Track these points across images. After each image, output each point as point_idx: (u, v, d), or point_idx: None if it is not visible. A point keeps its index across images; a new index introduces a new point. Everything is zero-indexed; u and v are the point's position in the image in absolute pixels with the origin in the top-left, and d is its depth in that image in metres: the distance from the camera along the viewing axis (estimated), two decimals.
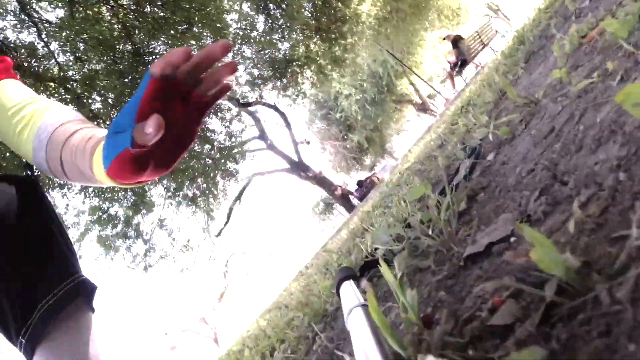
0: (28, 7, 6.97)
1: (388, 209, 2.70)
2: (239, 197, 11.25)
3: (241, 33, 9.07)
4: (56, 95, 7.16)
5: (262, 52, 10.08)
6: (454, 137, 2.72)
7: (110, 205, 8.33)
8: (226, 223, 11.78)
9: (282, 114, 11.55)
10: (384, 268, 0.70)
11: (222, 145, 9.20)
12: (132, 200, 8.52)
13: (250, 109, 10.61)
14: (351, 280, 1.18)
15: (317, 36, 10.67)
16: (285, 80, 10.82)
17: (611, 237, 0.42)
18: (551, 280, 0.39)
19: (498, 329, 0.43)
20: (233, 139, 9.28)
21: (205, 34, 8.04)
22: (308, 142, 13.64)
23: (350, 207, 11.90)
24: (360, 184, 11.02)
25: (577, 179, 0.65)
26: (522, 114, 1.53)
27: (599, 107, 0.90)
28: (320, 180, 12.41)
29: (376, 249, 1.39)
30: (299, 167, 12.08)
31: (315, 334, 1.52)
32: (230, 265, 16.21)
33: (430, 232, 1.02)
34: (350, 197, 11.97)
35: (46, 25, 7.22)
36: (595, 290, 0.34)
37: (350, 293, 1.02)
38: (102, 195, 7.86)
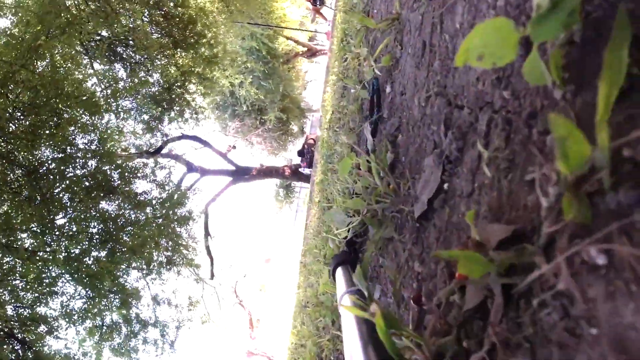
0: None
1: (335, 174, 2.71)
2: (207, 234, 11.03)
3: (109, 91, 8.63)
4: None
5: (139, 97, 9.67)
6: (351, 77, 2.71)
7: (103, 317, 8.03)
8: (212, 262, 11.59)
9: (194, 138, 11.26)
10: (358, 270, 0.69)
11: (160, 200, 8.92)
12: (117, 301, 8.24)
13: (163, 152, 10.27)
14: (346, 265, 1.18)
15: (179, 49, 10.31)
16: (176, 107, 10.49)
17: (525, 181, 0.42)
18: (491, 275, 0.39)
19: (474, 311, 0.42)
20: (167, 188, 8.99)
21: (79, 111, 7.63)
22: (234, 147, 13.42)
23: (305, 178, 11.92)
24: (300, 153, 11.01)
25: (469, 101, 0.65)
26: (392, 34, 1.53)
27: (452, 9, 0.90)
28: (266, 172, 12.31)
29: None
30: (240, 173, 11.91)
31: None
32: (240, 293, 16.09)
33: (377, 198, 1.02)
34: (300, 169, 11.96)
35: None
36: (538, 267, 0.34)
37: (341, 279, 1.02)
38: (90, 314, 7.57)
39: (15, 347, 6.95)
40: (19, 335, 7.07)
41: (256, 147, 18.50)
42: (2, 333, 6.65)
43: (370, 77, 1.81)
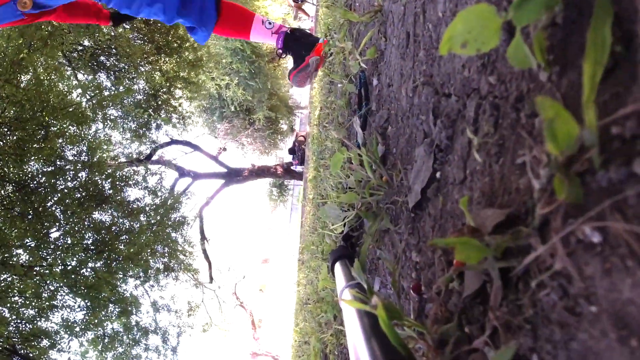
0: None
1: (327, 169, 2.71)
2: (203, 237, 11.00)
3: (94, 101, 8.58)
4: None
5: (125, 105, 9.61)
6: (337, 72, 2.71)
7: (104, 327, 8.00)
8: (210, 266, 11.56)
9: (184, 142, 11.20)
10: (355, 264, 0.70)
11: (154, 207, 8.88)
12: (117, 310, 8.21)
13: (154, 158, 10.21)
14: (344, 260, 1.18)
15: (162, 55, 10.25)
16: (163, 113, 10.44)
17: (516, 164, 0.42)
18: (488, 259, 0.39)
19: (474, 296, 0.43)
20: (159, 194, 8.96)
21: (66, 123, 7.57)
22: (225, 149, 13.36)
23: (298, 175, 11.91)
24: (292, 150, 10.99)
25: (456, 88, 0.65)
26: (375, 26, 1.53)
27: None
28: (258, 172, 12.28)
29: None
30: (232, 175, 11.87)
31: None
32: (240, 295, 16.07)
33: (371, 191, 1.02)
34: (292, 167, 11.95)
35: None
36: (534, 249, 0.35)
37: (340, 274, 1.02)
38: (91, 325, 7.54)
39: None
40: (22, 351, 7.04)
41: (247, 148, 18.45)
42: (5, 350, 6.61)
43: (357, 71, 1.81)
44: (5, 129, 6.95)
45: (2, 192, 7.19)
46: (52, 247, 7.47)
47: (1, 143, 7.04)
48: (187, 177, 11.02)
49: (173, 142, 10.65)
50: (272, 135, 17.78)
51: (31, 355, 6.93)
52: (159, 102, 10.12)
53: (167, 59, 10.30)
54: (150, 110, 9.82)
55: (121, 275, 8.29)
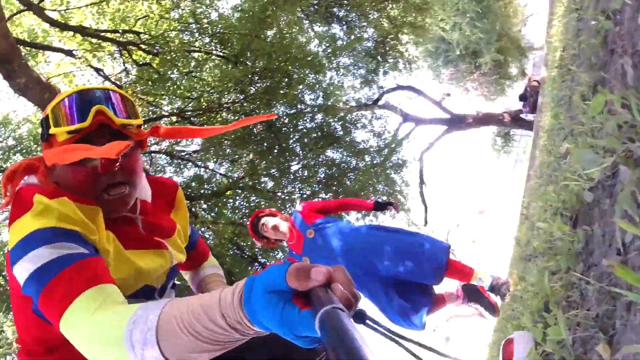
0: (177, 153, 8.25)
1: (569, 115, 2.47)
2: (421, 181, 11.27)
3: (329, 50, 9.34)
4: (237, 197, 8.23)
5: (355, 54, 10.18)
6: (587, 8, 2.39)
7: None
8: (426, 209, 11.84)
9: (408, 88, 11.38)
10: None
11: (377, 148, 9.41)
12: None
13: (380, 103, 10.70)
14: None
15: (389, 1, 10.37)
16: (390, 59, 10.72)
17: None
18: None
19: None
20: (383, 137, 9.45)
21: (305, 74, 8.45)
22: (448, 94, 13.08)
23: (527, 125, 10.96)
24: (522, 97, 10.09)
25: None
26: None
27: None
28: (483, 119, 11.74)
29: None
30: (455, 122, 11.64)
31: (580, 279, 1.48)
32: (452, 242, 16.08)
33: (636, 137, 0.96)
34: (522, 115, 11.03)
35: (195, 156, 8.43)
36: None
37: None
38: None
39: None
40: (262, 259, 8.41)
41: (472, 94, 17.67)
42: (249, 258, 8.07)
43: (620, 5, 1.60)
44: (257, 78, 8.12)
45: (255, 130, 8.49)
46: (291, 177, 8.68)
47: (253, 89, 8.27)
48: (410, 122, 11.28)
49: (398, 87, 10.94)
50: (500, 80, 16.55)
51: (267, 263, 8.26)
52: (387, 49, 10.43)
53: (394, 5, 10.42)
54: (378, 57, 10.22)
55: None
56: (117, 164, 0.94)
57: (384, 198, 9.87)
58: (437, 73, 17.36)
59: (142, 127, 1.07)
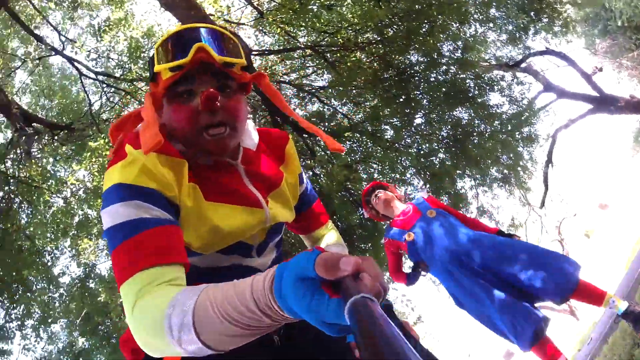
0: (305, 86, 8.28)
1: None
2: (549, 161, 10.30)
3: (479, 0, 8.57)
4: (354, 140, 8.18)
5: (507, 6, 9.23)
6: None
7: None
8: (546, 191, 10.91)
9: (558, 54, 10.18)
10: None
11: (509, 115, 8.69)
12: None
13: (523, 65, 9.74)
14: None
15: None
16: (545, 18, 9.58)
17: None
18: None
19: None
20: (518, 104, 8.66)
21: (448, 22, 7.92)
22: (600, 69, 11.51)
23: None
24: None
25: None
26: None
27: None
28: (637, 106, 10.23)
29: None
30: (604, 102, 10.28)
31: None
32: (564, 231, 14.82)
33: None
34: None
35: (321, 92, 8.42)
36: None
37: None
38: None
39: None
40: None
41: (625, 73, 15.48)
42: (355, 203, 8.08)
43: None
44: (397, 19, 7.74)
45: (385, 74, 8.21)
46: (412, 130, 8.38)
47: (391, 32, 7.92)
48: (551, 93, 10.18)
49: (547, 51, 9.84)
50: None
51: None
52: (543, 5, 9.30)
53: None
54: (531, 13, 9.18)
55: (460, 172, 8.70)
56: (217, 102, 0.92)
57: (505, 171, 9.20)
58: (590, 42, 15.34)
59: (262, 64, 1.01)
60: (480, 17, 8.76)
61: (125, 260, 0.81)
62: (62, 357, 7.18)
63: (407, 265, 5.33)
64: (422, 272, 3.01)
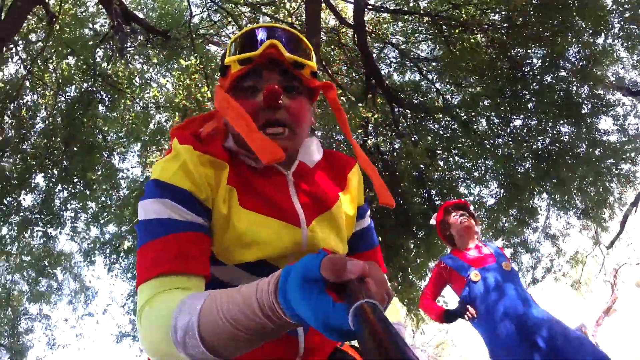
0: (411, 53, 7.76)
1: None
2: (635, 204, 9.43)
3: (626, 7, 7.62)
4: (442, 123, 7.69)
5: None
6: None
7: None
8: (619, 233, 10.12)
9: None
10: None
11: (613, 146, 7.87)
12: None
13: None
14: None
15: None
16: None
17: None
18: None
19: None
20: (629, 137, 7.82)
21: (584, 26, 7.13)
22: None
23: None
24: None
25: None
26: None
27: None
28: None
29: None
30: None
31: None
32: (621, 277, 13.92)
33: None
34: None
35: (425, 63, 7.87)
36: None
37: None
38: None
39: None
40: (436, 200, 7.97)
41: None
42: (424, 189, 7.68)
43: None
44: (530, 9, 6.96)
45: (499, 63, 7.45)
46: (508, 130, 7.73)
47: (521, 21, 7.13)
48: None
49: None
50: None
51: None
52: None
53: None
54: None
55: (541, 189, 8.12)
56: (280, 100, 0.89)
57: (588, 203, 8.45)
58: None
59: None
60: (618, 32, 7.84)
61: (148, 261, 0.80)
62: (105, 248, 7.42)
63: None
64: (465, 317, 2.82)
